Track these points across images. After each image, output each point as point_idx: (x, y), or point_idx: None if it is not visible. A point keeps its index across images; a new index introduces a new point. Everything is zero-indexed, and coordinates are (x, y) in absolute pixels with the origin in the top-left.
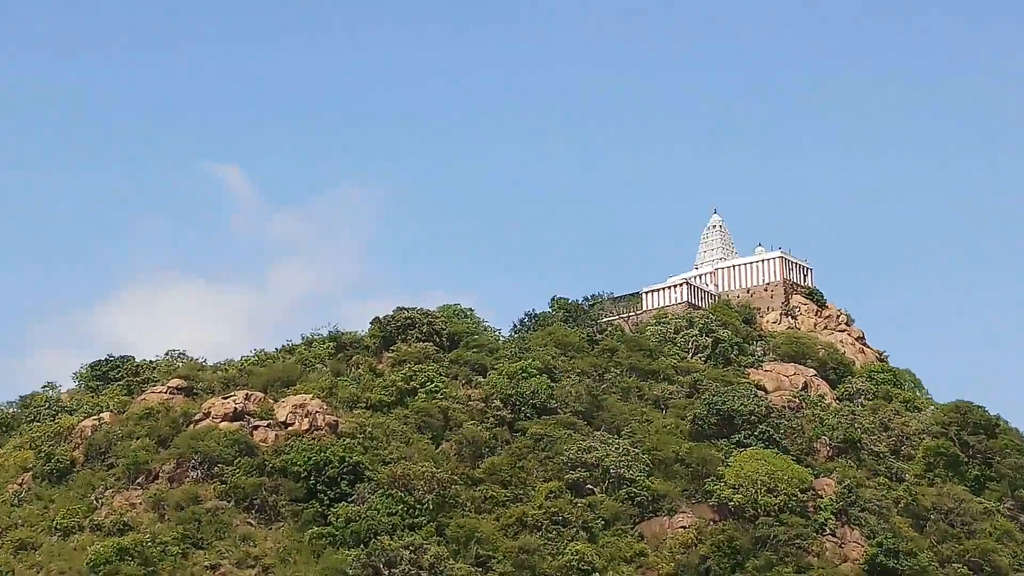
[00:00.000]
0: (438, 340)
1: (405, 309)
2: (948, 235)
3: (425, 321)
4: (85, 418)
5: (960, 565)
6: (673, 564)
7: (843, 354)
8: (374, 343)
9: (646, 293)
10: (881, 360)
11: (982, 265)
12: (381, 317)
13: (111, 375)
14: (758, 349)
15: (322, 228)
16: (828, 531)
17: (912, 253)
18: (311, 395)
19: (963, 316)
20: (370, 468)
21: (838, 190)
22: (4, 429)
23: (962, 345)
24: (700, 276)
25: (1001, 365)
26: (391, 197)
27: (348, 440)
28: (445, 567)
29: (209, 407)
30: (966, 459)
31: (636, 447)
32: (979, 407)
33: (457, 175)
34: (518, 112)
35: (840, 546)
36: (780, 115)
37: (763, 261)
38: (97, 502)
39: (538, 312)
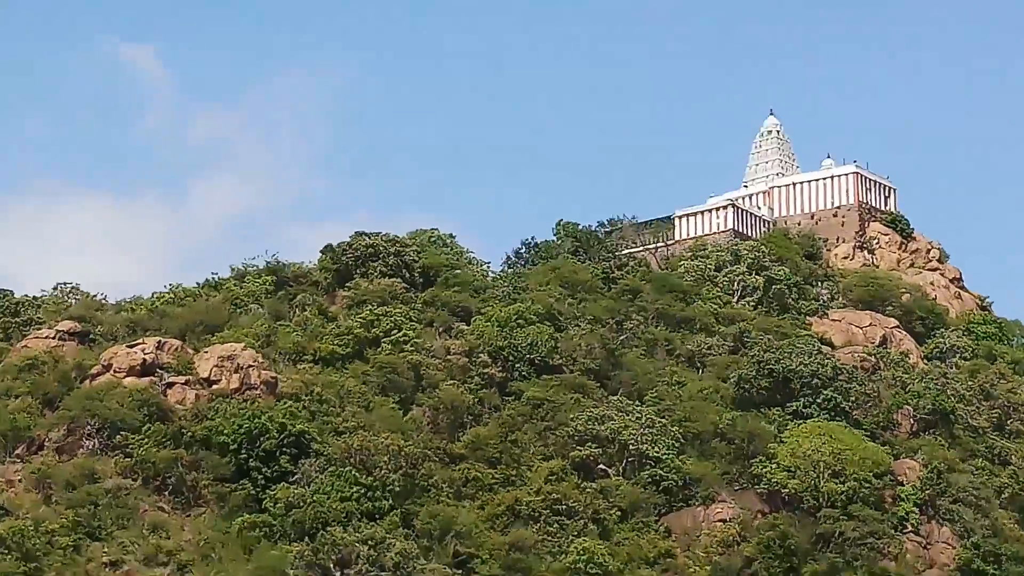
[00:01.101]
0: (408, 275)
1: (366, 235)
2: None
3: (392, 250)
4: None
5: None
6: (709, 567)
7: (934, 300)
8: (325, 278)
9: (680, 218)
10: (983, 308)
11: None
12: (335, 245)
13: None
14: (824, 292)
15: (260, 128)
16: (910, 528)
17: None
18: (243, 344)
19: None
20: (319, 439)
21: (929, 86)
22: None
23: None
24: (750, 196)
25: None
26: (349, 87)
27: (290, 403)
28: (414, 567)
29: (110, 358)
30: None
31: (663, 417)
32: None
33: (435, 59)
34: None
35: (925, 547)
36: None
37: (832, 178)
38: None
39: (539, 241)
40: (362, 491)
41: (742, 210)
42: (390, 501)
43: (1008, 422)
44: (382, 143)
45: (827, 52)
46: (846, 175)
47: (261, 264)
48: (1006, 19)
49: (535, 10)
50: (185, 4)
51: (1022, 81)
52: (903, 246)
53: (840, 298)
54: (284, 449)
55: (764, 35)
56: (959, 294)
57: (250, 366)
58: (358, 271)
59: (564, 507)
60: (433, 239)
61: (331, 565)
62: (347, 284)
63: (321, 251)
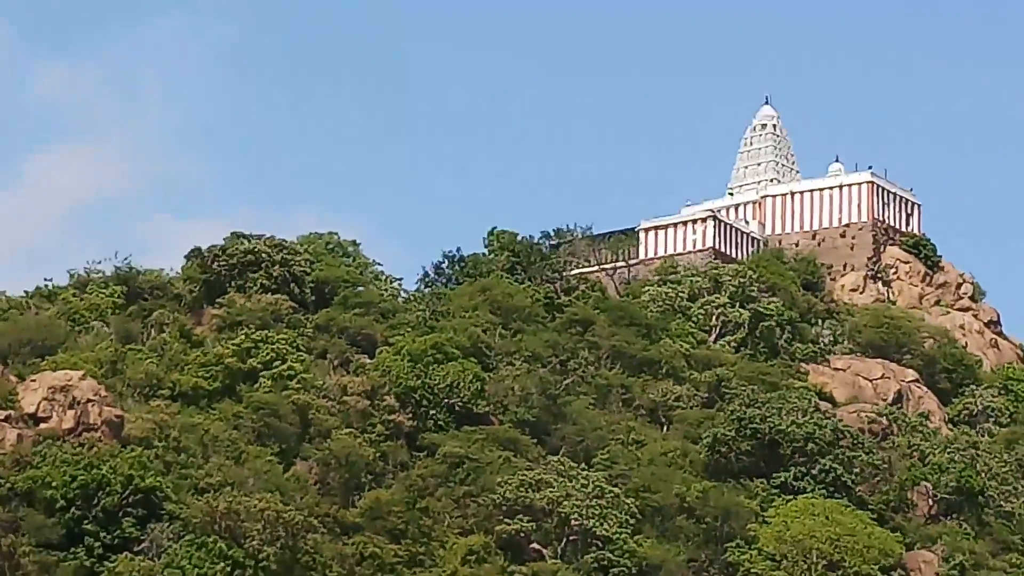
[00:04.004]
0: (298, 291)
1: (244, 237)
2: None
3: (277, 258)
4: None
5: None
6: None
7: (964, 348)
8: (190, 291)
9: (646, 231)
10: None
11: None
12: (204, 249)
13: None
14: (825, 333)
15: (114, 93)
16: None
17: None
18: (81, 372)
19: None
20: (173, 499)
21: (966, 76)
22: None
23: None
24: (737, 207)
25: None
26: (233, 42)
27: (139, 450)
28: None
29: None
30: None
31: (616, 485)
32: None
33: (348, 8)
34: None
35: None
36: None
37: (841, 188)
38: None
39: (466, 254)
40: (228, 567)
41: (726, 224)
42: None
43: None
44: (270, 115)
45: (838, 29)
46: (859, 185)
47: (109, 270)
48: None
49: None
50: None
51: None
52: (927, 278)
53: (846, 341)
54: (129, 509)
55: (759, 8)
56: (996, 342)
57: (89, 401)
58: (233, 284)
59: None
60: (331, 246)
61: None
62: (218, 300)
63: (186, 256)
